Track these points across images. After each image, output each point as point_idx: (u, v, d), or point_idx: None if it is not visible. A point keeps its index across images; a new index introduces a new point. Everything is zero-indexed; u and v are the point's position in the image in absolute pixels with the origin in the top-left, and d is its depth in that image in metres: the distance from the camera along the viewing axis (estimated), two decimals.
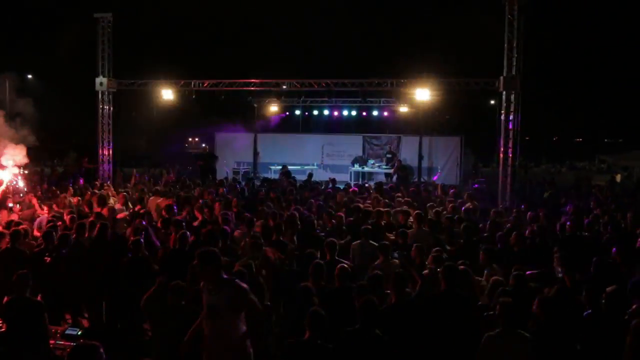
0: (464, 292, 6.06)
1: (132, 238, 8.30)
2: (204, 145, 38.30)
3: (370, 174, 22.00)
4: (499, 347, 5.01)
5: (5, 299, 6.20)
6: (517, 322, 5.09)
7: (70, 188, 13.68)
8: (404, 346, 5.37)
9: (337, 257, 7.31)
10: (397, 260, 7.46)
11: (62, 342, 6.19)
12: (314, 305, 5.47)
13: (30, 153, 12.39)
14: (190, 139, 43.80)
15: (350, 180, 20.58)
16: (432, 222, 9.69)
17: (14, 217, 10.61)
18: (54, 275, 7.86)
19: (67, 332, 6.38)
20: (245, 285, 5.13)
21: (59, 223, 9.70)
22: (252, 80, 18.28)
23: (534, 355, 4.98)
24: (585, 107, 33.76)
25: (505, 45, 15.75)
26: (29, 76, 29.21)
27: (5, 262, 7.78)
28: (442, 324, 5.70)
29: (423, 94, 17.10)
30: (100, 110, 18.52)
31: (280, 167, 20.43)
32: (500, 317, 5.08)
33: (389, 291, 6.02)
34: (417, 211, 10.09)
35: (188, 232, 8.30)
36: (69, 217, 10.03)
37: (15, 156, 12.03)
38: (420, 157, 22.10)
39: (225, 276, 5.15)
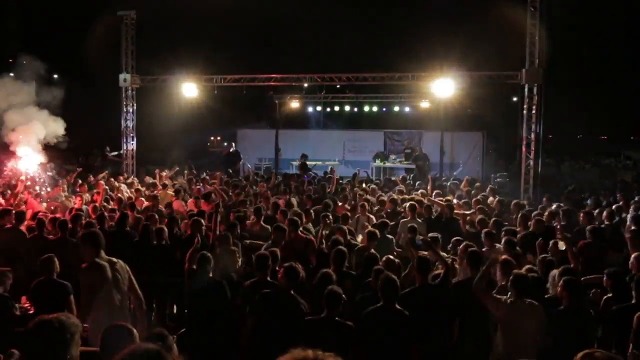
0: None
1: (156, 226, 8.49)
2: (225, 144, 38.49)
3: (392, 169, 21.96)
4: (513, 315, 5.25)
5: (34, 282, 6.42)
6: (528, 292, 5.37)
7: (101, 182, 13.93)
8: (426, 326, 5.39)
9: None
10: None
11: (87, 325, 6.34)
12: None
13: (57, 152, 12.63)
14: (212, 138, 44.03)
15: (372, 175, 20.58)
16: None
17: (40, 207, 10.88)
18: (79, 261, 8.03)
19: None
20: (95, 276, 5.34)
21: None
22: (273, 75, 18.40)
23: (545, 321, 5.21)
24: (611, 103, 33.14)
25: (527, 37, 15.64)
26: (55, 76, 29.69)
27: (33, 248, 8.05)
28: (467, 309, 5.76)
29: (444, 88, 17.01)
30: (124, 107, 18.81)
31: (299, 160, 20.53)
32: (513, 288, 5.33)
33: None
34: (411, 202, 10.28)
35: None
36: (91, 206, 10.28)
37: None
38: (442, 153, 21.99)
39: (98, 260, 5.48)
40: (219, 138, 43.43)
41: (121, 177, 15.70)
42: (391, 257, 6.64)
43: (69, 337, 2.66)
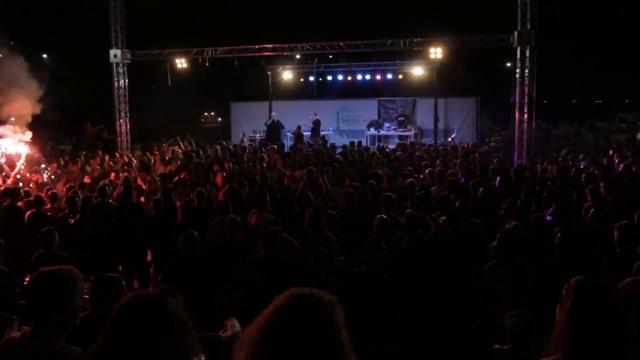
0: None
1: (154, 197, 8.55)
2: (219, 119, 38.25)
3: (387, 137, 21.97)
4: (499, 274, 5.25)
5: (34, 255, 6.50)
6: (514, 249, 5.35)
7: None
8: (411, 287, 5.47)
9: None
10: None
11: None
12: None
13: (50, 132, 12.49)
14: (205, 114, 43.76)
15: (367, 144, 20.59)
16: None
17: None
18: (79, 237, 8.07)
19: None
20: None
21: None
22: (265, 45, 18.26)
23: (532, 276, 5.20)
24: (605, 66, 32.95)
25: None
26: (44, 55, 29.34)
27: (32, 225, 8.09)
28: (451, 265, 5.81)
29: (437, 52, 16.96)
30: (116, 83, 18.65)
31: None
32: (499, 246, 5.37)
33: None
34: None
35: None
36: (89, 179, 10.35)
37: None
38: (436, 119, 21.98)
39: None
40: (212, 113, 43.25)
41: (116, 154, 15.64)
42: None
43: (71, 287, 2.71)
